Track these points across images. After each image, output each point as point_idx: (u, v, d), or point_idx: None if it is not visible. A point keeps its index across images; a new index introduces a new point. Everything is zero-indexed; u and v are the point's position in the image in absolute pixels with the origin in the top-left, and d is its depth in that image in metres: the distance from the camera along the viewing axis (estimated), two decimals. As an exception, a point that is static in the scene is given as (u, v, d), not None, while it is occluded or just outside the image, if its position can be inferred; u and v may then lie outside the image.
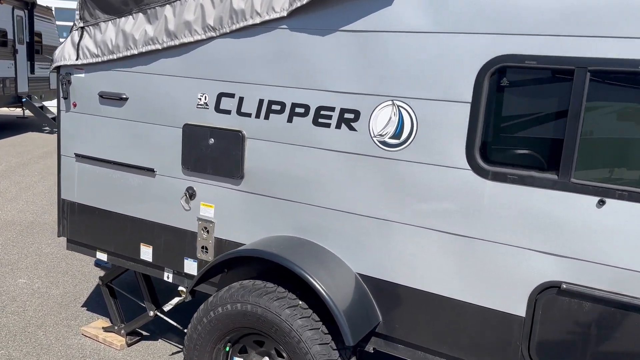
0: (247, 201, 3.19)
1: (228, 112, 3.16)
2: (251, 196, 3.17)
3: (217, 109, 3.19)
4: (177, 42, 3.23)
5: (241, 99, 3.10)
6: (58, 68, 3.81)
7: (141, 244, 3.65)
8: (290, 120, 2.97)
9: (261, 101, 3.04)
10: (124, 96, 3.52)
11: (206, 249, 3.38)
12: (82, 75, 3.70)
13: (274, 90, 2.99)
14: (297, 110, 2.94)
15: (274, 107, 3.00)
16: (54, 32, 16.95)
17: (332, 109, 2.83)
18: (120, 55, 3.46)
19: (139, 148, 3.53)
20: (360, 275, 2.87)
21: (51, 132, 14.89)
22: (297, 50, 2.88)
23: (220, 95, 3.17)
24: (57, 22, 18.36)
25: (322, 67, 2.82)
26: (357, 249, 2.86)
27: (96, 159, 3.72)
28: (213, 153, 3.23)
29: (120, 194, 3.67)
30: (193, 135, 3.28)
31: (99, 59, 3.56)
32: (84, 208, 3.85)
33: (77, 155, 3.81)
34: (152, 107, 3.43)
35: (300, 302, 2.74)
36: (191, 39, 3.19)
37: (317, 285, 2.67)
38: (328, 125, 2.86)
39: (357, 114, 2.77)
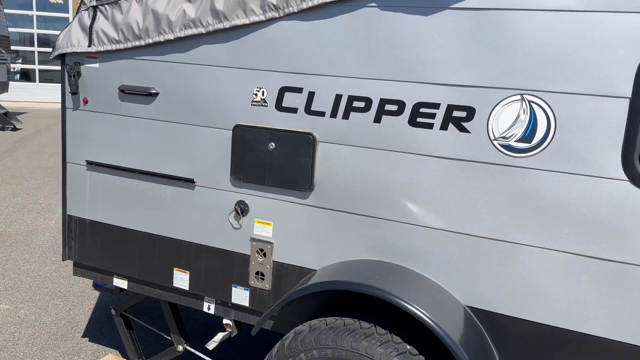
0: (316, 218, 2.64)
1: (294, 110, 2.60)
2: (322, 212, 2.63)
3: (279, 106, 2.63)
4: (226, 25, 2.63)
5: (311, 95, 2.54)
6: (63, 56, 3.14)
7: (175, 269, 3.05)
8: (377, 119, 2.44)
9: (339, 97, 2.49)
10: (154, 91, 2.89)
11: (262, 275, 2.82)
12: (96, 65, 3.04)
13: (356, 83, 2.45)
14: (388, 107, 2.41)
15: (357, 103, 2.46)
16: (2, 21, 15.63)
17: (436, 106, 2.32)
18: (150, 41, 2.82)
19: (174, 154, 2.92)
20: (471, 308, 2.39)
21: (2, 129, 13.75)
22: (389, 33, 2.35)
23: (284, 90, 2.60)
24: (5, 10, 17.03)
25: (424, 55, 2.31)
26: (467, 276, 2.37)
27: (115, 168, 3.08)
28: (273, 160, 2.66)
29: (147, 209, 3.04)
30: (247, 139, 2.70)
31: (120, 46, 2.92)
32: (99, 226, 3.21)
33: (89, 163, 3.15)
34: (191, 104, 2.82)
35: (408, 347, 2.23)
36: (246, 21, 2.60)
37: (446, 338, 2.15)
38: (430, 126, 2.35)
39: (470, 111, 2.26)
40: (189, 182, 2.91)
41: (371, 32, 2.38)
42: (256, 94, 2.67)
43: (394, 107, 2.39)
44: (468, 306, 2.39)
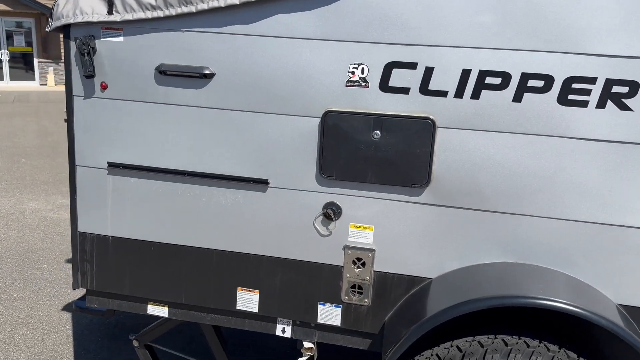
0: (431, 218, 2.23)
1: (404, 90, 2.14)
2: (439, 211, 2.22)
3: (385, 86, 2.15)
4: (316, -15, 2.10)
5: (429, 71, 2.10)
6: (67, 28, 2.39)
7: (239, 289, 2.49)
8: (518, 98, 2.06)
9: (466, 72, 2.07)
10: (208, 72, 2.28)
11: (359, 288, 2.37)
12: (120, 39, 2.34)
13: (489, 56, 2.04)
14: (532, 83, 2.04)
15: (490, 80, 2.06)
16: None
17: (592, 80, 1.99)
18: (205, 6, 2.19)
19: (237, 151, 2.34)
20: (624, 306, 2.14)
21: None
22: (534, -5, 1.97)
23: (391, 67, 2.13)
24: None
25: (577, 20, 1.95)
26: (620, 272, 2.11)
27: (151, 170, 2.44)
28: (378, 153, 2.20)
29: (200, 219, 2.45)
30: (341, 128, 2.20)
31: (159, 13, 2.25)
32: (128, 244, 2.55)
33: (112, 165, 2.47)
34: (262, 88, 2.25)
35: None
36: (343, -20, 2.08)
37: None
38: (584, 104, 2.01)
39: (634, 86, 1.96)
40: (260, 184, 2.35)
41: (512, -7, 1.99)
42: (353, 72, 2.17)
43: (540, 83, 2.03)
44: (620, 304, 2.14)
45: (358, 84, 2.17)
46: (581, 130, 2.03)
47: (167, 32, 2.29)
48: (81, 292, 4.02)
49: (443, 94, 2.11)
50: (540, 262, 2.18)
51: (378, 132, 2.17)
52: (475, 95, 2.09)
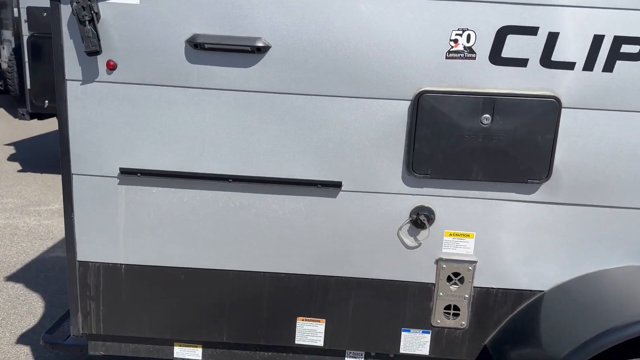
0: (546, 219, 1.82)
1: (522, 62, 1.70)
2: (557, 210, 1.82)
3: (497, 57, 1.70)
4: None
5: (553, 37, 1.67)
6: (55, -11, 1.74)
7: (299, 319, 1.98)
8: (660, 70, 1.69)
9: (599, 39, 1.66)
10: (262, 44, 1.72)
11: (455, 309, 1.93)
12: (136, 1, 1.73)
13: (626, 17, 1.65)
14: (677, 51, 1.67)
15: (627, 47, 1.67)
16: None
17: None
18: (260, -45, 1.63)
19: (300, 147, 1.81)
20: None
21: None
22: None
23: (505, 32, 1.68)
24: None
25: None
26: None
27: (182, 176, 1.85)
28: (488, 142, 1.75)
29: (248, 236, 1.90)
30: (440, 112, 1.73)
31: (192, -34, 1.66)
32: (150, 273, 1.95)
33: (126, 172, 1.85)
34: (332, 63, 1.73)
35: None
36: None
37: None
38: None
39: None
40: (330, 188, 1.84)
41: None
42: (456, 40, 1.70)
43: (686, 51, 1.67)
44: None
45: (462, 55, 1.71)
46: None
47: (203, -9, 1.70)
48: (42, 319, 3.29)
49: (569, 66, 1.69)
50: (675, 265, 1.85)
51: (488, 115, 1.73)
52: (609, 67, 1.69)
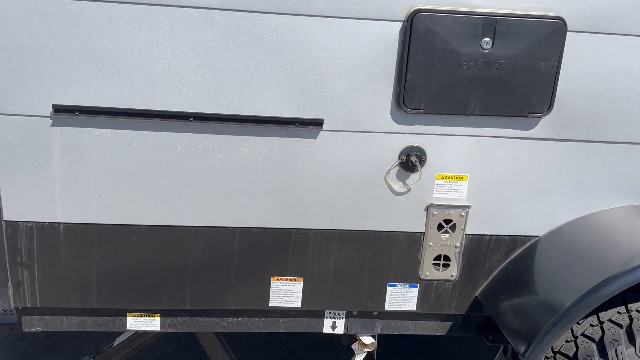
0: (545, 156, 1.66)
1: (526, -22, 1.50)
2: (557, 146, 1.66)
3: (499, -28, 1.49)
4: None
5: (561, -53, 1.48)
6: None
7: (274, 279, 1.74)
8: (672, -12, 1.53)
9: (610, -50, 1.49)
10: None
11: (446, 260, 1.76)
12: None
13: None
14: (691, -33, 1.52)
15: (640, -38, 1.50)
16: None
17: None
18: None
19: (273, 77, 1.53)
20: None
21: None
22: None
23: (509, -59, 1.47)
24: None
25: None
26: None
27: (133, 114, 1.52)
28: (488, 70, 1.54)
29: (214, 185, 1.62)
30: (437, 36, 1.50)
31: None
32: (96, 233, 1.64)
33: (61, 109, 1.50)
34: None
35: None
36: None
37: None
38: None
39: None
40: (309, 127, 1.58)
41: None
42: (455, -49, 1.47)
43: (700, -33, 1.52)
44: None
45: (461, -32, 1.49)
46: None
47: None
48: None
49: (577, -18, 1.52)
50: (673, 203, 1.76)
51: (489, 39, 1.52)
52: (618, -16, 1.53)
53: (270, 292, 1.77)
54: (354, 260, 1.75)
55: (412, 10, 1.50)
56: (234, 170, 1.63)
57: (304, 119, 1.58)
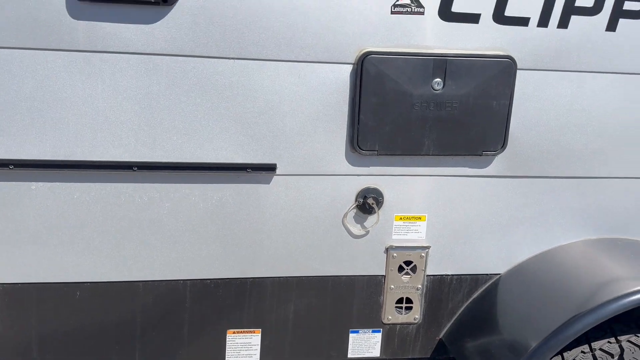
0: (503, 194, 1.65)
1: (473, 18, 1.50)
2: (512, 183, 1.65)
3: (447, 12, 1.47)
4: None
5: (505, -10, 1.49)
6: None
7: (230, 332, 1.64)
8: (612, 26, 1.56)
9: (553, -8, 1.51)
10: None
11: (408, 302, 1.70)
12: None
13: (582, -32, 1.51)
14: (628, 5, 1.54)
15: (581, 1, 1.53)
16: None
17: (696, 1, 1.58)
18: None
19: (223, 123, 1.46)
20: None
21: None
22: None
23: (455, -17, 1.47)
24: None
25: None
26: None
27: (71, 166, 1.43)
28: (440, 110, 1.53)
29: (162, 236, 1.53)
30: (387, 77, 1.48)
31: None
32: (33, 293, 1.51)
33: (-9, 165, 1.41)
34: (259, 19, 1.40)
35: None
36: None
37: None
38: (688, 32, 1.60)
39: None
40: (262, 172, 1.52)
41: None
42: (401, -7, 1.46)
43: (637, 5, 1.56)
44: None
45: (409, 9, 1.47)
46: (683, 65, 1.63)
47: None
48: None
49: (524, 21, 1.52)
50: (628, 234, 1.76)
51: (439, 80, 1.51)
52: (564, 23, 1.54)
53: (227, 347, 1.67)
54: (314, 308, 1.68)
55: (362, 52, 1.47)
56: (183, 220, 1.55)
57: (256, 164, 1.52)
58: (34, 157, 1.43)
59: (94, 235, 1.52)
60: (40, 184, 1.46)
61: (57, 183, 1.46)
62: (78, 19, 1.35)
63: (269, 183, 1.55)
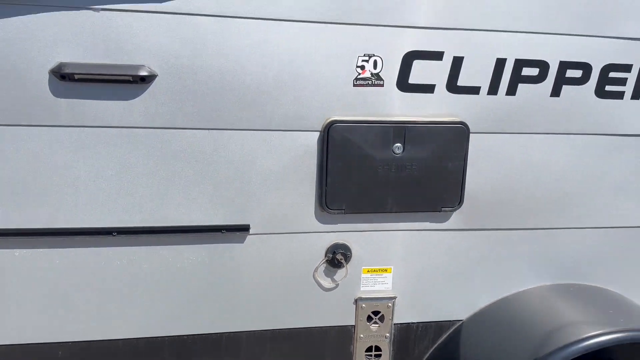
0: (462, 246, 1.77)
1: (429, 88, 1.63)
2: (471, 236, 1.77)
3: (404, 83, 1.60)
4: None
5: (458, 62, 1.62)
6: None
7: (207, 386, 1.72)
8: (556, 92, 1.71)
9: (501, 62, 1.65)
10: (146, 72, 1.44)
11: (378, 350, 1.80)
12: (-21, 24, 1.37)
13: (526, 42, 1.65)
14: (570, 73, 1.70)
15: (527, 71, 1.67)
16: None
17: (628, 68, 1.74)
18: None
19: (198, 188, 1.56)
20: None
21: None
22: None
23: (412, 57, 1.59)
24: None
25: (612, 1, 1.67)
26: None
27: (53, 233, 1.50)
28: (400, 172, 1.65)
29: (141, 296, 1.61)
30: (352, 144, 1.59)
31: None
32: (17, 353, 1.57)
33: (-25, 234, 1.47)
34: (232, 92, 1.51)
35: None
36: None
37: None
38: (620, 96, 1.75)
39: (651, 71, 1.76)
40: (236, 232, 1.62)
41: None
42: (363, 67, 1.58)
43: (578, 73, 1.70)
44: None
45: (370, 82, 1.60)
46: (620, 125, 1.77)
47: (70, 10, 1.41)
48: None
49: (475, 90, 1.66)
50: (579, 280, 1.89)
51: (399, 144, 1.64)
52: (512, 90, 1.68)
53: (199, 403, 1.74)
54: (288, 359, 1.76)
55: (328, 121, 1.59)
56: (161, 280, 1.63)
57: (230, 225, 1.62)
58: (17, 225, 1.51)
59: (74, 297, 1.59)
60: (24, 250, 1.53)
61: (39, 249, 1.54)
62: (60, 97, 1.45)
63: (243, 242, 1.65)
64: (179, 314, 1.66)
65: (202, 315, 1.68)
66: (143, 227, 1.57)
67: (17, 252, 1.53)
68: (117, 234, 1.55)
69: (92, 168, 1.51)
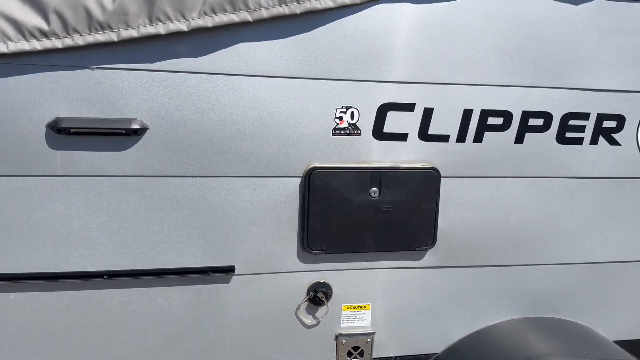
0: (436, 282, 1.88)
1: (402, 136, 1.75)
2: (445, 273, 1.88)
3: (379, 132, 1.72)
4: (296, 9, 1.57)
5: (428, 112, 1.75)
6: None
7: (194, 422, 1.78)
8: (520, 139, 1.84)
9: (468, 113, 1.78)
10: (138, 125, 1.55)
11: (357, 383, 1.88)
12: (-19, 81, 1.47)
13: (491, 93, 1.79)
14: (532, 122, 1.84)
15: (492, 120, 1.81)
16: None
17: (586, 116, 1.89)
18: (133, 33, 1.48)
19: (185, 232, 1.65)
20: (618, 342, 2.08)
21: None
22: (532, 26, 1.78)
23: (386, 109, 1.72)
24: None
25: (575, 53, 1.82)
26: (616, 307, 2.05)
27: (47, 277, 1.58)
28: (377, 214, 1.76)
29: (130, 336, 1.69)
30: (332, 188, 1.70)
31: (50, 44, 1.44)
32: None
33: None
34: (218, 143, 1.62)
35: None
36: (330, 4, 1.60)
37: None
38: (579, 142, 1.90)
39: (620, 120, 1.91)
40: (222, 273, 1.70)
41: (510, 22, 1.76)
42: (341, 118, 1.71)
43: (540, 121, 1.84)
44: (615, 340, 2.09)
45: (348, 131, 1.72)
46: (578, 168, 1.91)
47: (67, 69, 1.51)
48: None
49: (444, 138, 1.79)
50: (546, 313, 2.01)
51: (376, 189, 1.75)
52: (479, 138, 1.82)
53: None
54: (271, 394, 1.84)
55: (309, 167, 1.71)
56: (150, 320, 1.70)
57: (216, 267, 1.71)
58: (13, 270, 1.58)
59: (67, 337, 1.66)
60: (18, 293, 1.60)
61: (34, 292, 1.61)
62: (56, 149, 1.54)
63: (228, 282, 1.74)
64: (168, 352, 1.74)
65: (190, 353, 1.75)
66: (132, 270, 1.65)
67: (12, 295, 1.60)
68: (108, 277, 1.63)
69: (86, 215, 1.60)
